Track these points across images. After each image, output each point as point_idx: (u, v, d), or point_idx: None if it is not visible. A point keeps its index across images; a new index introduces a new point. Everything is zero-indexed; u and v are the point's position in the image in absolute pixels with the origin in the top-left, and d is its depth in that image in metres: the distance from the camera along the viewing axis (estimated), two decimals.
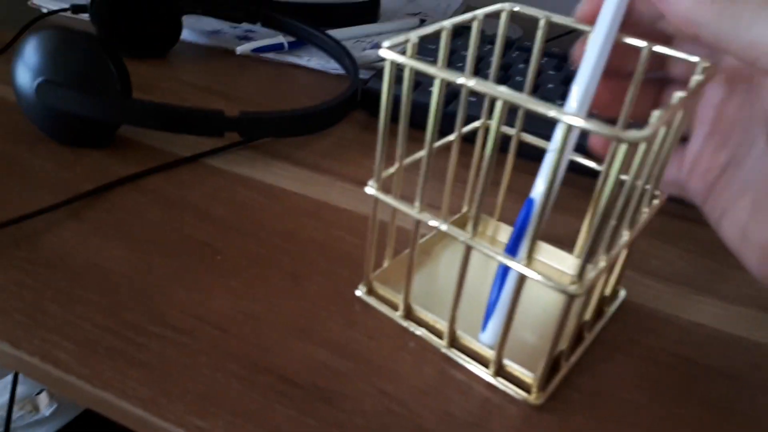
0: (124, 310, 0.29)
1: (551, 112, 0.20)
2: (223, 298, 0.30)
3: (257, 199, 0.38)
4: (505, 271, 0.26)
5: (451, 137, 0.31)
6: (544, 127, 0.41)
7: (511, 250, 0.25)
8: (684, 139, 0.28)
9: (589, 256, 0.22)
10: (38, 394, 0.68)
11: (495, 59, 0.30)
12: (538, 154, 0.32)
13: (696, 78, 0.24)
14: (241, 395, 0.25)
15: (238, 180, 0.39)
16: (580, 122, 0.19)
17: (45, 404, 0.69)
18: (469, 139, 0.32)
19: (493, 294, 0.26)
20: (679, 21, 0.22)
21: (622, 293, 0.32)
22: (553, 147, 0.23)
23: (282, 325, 0.29)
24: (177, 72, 0.53)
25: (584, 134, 0.22)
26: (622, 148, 0.19)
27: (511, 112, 0.30)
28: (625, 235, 0.26)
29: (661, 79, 0.29)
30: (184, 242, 0.33)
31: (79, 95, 0.37)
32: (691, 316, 0.31)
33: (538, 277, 0.22)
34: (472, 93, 0.45)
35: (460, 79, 0.21)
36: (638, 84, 0.27)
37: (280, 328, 0.29)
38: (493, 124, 0.22)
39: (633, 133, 0.19)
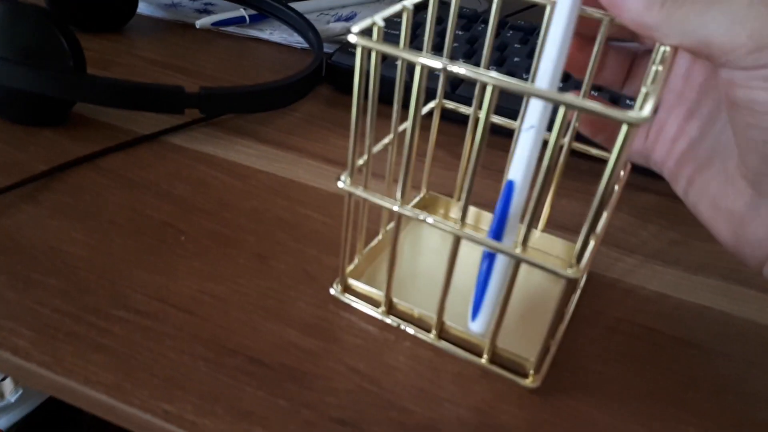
0: (84, 294, 0.28)
1: (551, 95, 0.19)
2: (187, 280, 0.29)
3: (220, 177, 0.37)
4: (491, 258, 0.25)
5: (409, 123, 0.30)
6: (507, 102, 0.41)
7: (496, 234, 0.24)
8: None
9: (586, 240, 0.22)
10: (2, 380, 0.66)
11: (449, 33, 0.29)
12: (496, 130, 0.32)
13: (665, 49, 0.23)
14: (209, 378, 0.25)
15: (200, 158, 0.38)
16: (584, 104, 0.19)
17: (10, 390, 0.67)
18: (433, 115, 0.32)
19: (481, 281, 0.25)
20: (632, 24, 0.23)
21: None
22: (528, 125, 0.23)
23: (249, 305, 0.28)
24: (134, 47, 0.51)
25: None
26: (625, 130, 0.19)
27: (471, 87, 0.29)
28: (605, 212, 0.26)
29: (633, 49, 0.29)
30: (145, 223, 0.32)
31: (30, 71, 0.35)
32: (656, 286, 0.32)
33: (539, 263, 0.22)
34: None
35: (437, 63, 0.20)
36: (600, 52, 0.27)
37: (247, 309, 0.28)
38: (483, 111, 0.21)
39: (637, 115, 0.18)
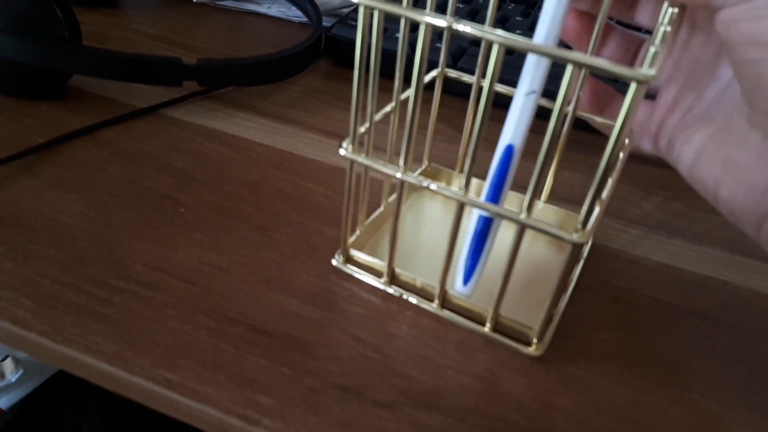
0: (83, 265, 0.28)
1: (559, 52, 0.18)
2: (187, 251, 0.29)
3: (220, 150, 0.36)
4: (487, 221, 0.25)
5: (412, 86, 0.30)
6: (508, 74, 0.41)
7: (493, 198, 0.24)
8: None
9: (592, 205, 0.21)
10: (3, 360, 0.66)
11: (450, 4, 0.28)
12: (496, 102, 0.31)
13: (668, 12, 0.23)
14: (211, 347, 0.25)
15: (199, 131, 0.38)
16: (592, 61, 0.18)
17: (10, 370, 0.67)
18: (432, 87, 0.31)
19: (474, 244, 0.25)
20: None
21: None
22: (530, 90, 0.22)
23: (251, 276, 0.28)
24: (130, 21, 0.50)
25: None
26: (634, 88, 0.18)
27: (473, 58, 0.29)
28: (610, 178, 0.26)
29: (640, 37, 0.29)
30: (144, 195, 0.32)
31: (24, 41, 0.34)
32: (659, 257, 0.32)
33: (545, 228, 0.22)
34: (436, 39, 0.44)
35: (441, 22, 0.20)
36: (602, 25, 0.26)
37: (248, 280, 0.28)
38: (489, 70, 0.20)
39: (646, 72, 0.18)
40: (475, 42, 0.44)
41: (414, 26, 0.45)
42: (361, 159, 0.25)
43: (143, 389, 0.23)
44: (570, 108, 0.29)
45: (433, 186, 0.24)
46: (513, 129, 0.23)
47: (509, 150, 0.24)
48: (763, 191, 0.23)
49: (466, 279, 0.25)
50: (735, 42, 0.22)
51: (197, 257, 0.29)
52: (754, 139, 0.23)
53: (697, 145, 0.26)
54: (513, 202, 0.33)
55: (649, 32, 0.29)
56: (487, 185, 0.24)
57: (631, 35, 0.30)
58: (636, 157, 0.39)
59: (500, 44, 0.19)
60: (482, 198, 0.24)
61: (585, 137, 0.39)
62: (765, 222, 0.23)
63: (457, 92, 0.43)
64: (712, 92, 0.26)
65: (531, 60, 0.22)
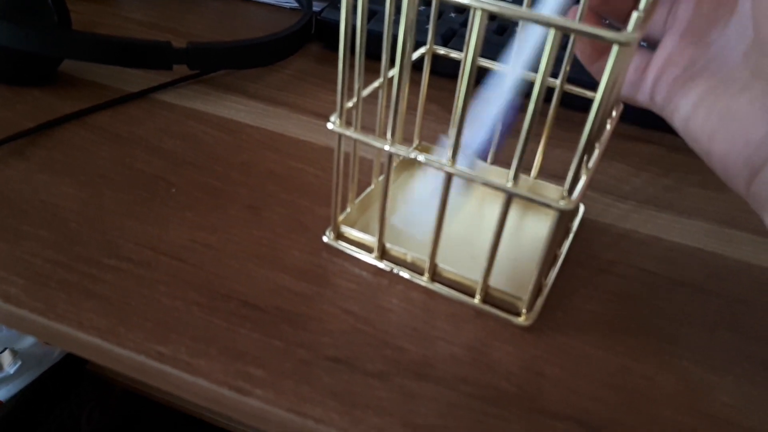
0: (75, 245, 0.28)
1: (540, 17, 0.19)
2: (179, 230, 0.29)
3: (211, 132, 0.36)
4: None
5: (396, 67, 0.30)
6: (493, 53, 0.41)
7: (483, 150, 0.24)
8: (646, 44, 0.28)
9: (578, 172, 0.22)
10: (1, 352, 0.66)
11: None
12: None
13: None
14: (203, 321, 0.25)
15: (190, 114, 0.38)
16: (573, 25, 0.18)
17: (8, 362, 0.67)
18: (420, 66, 0.31)
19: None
20: None
21: (581, 209, 0.32)
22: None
23: (242, 254, 0.28)
24: (120, 9, 0.50)
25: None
26: (616, 50, 0.18)
27: (462, 39, 0.29)
28: (597, 148, 0.26)
29: None
30: (135, 176, 0.32)
31: (15, 27, 0.34)
32: (649, 230, 0.32)
33: (531, 196, 0.22)
34: (425, 21, 0.44)
35: None
36: None
37: (240, 257, 0.28)
38: (472, 39, 0.20)
39: (627, 35, 0.18)
40: (465, 24, 0.45)
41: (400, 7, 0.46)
42: (349, 133, 0.25)
43: (136, 363, 0.23)
44: (558, 81, 0.29)
45: (421, 157, 0.24)
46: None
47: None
48: (758, 144, 0.22)
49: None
50: None
51: (189, 236, 0.29)
52: (756, 89, 0.23)
53: (695, 97, 0.25)
54: (500, 176, 0.33)
55: None
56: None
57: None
58: (626, 136, 0.39)
59: (482, 11, 0.19)
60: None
61: (576, 116, 0.39)
62: (756, 177, 0.23)
63: (447, 73, 0.43)
64: (716, 45, 0.26)
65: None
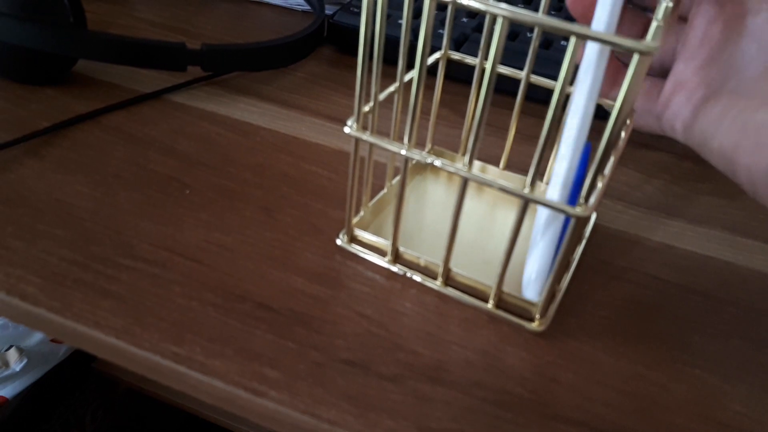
0: (90, 244, 0.28)
1: (560, 24, 0.19)
2: (193, 231, 0.29)
3: (224, 134, 0.36)
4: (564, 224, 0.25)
5: (414, 72, 0.30)
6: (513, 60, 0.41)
7: (573, 199, 0.25)
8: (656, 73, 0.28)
9: (595, 179, 0.22)
10: (7, 349, 0.67)
11: None
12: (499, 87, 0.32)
13: None
14: (218, 322, 0.25)
15: (203, 115, 0.38)
16: (595, 33, 0.18)
17: (15, 359, 0.67)
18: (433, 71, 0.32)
19: (547, 247, 0.26)
20: None
21: (593, 216, 0.32)
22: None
23: (256, 255, 0.28)
24: (133, 9, 0.51)
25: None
26: (636, 59, 0.19)
27: (475, 44, 0.29)
28: (612, 155, 0.26)
29: (642, 15, 0.29)
30: (150, 177, 0.32)
31: (30, 26, 0.35)
32: (661, 237, 0.32)
33: (547, 202, 0.22)
34: (438, 25, 0.44)
35: None
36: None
37: (254, 259, 0.28)
38: (492, 47, 0.20)
39: (648, 44, 0.18)
40: (478, 29, 0.45)
41: (417, 12, 0.46)
42: (366, 136, 0.25)
43: (151, 363, 0.24)
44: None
45: (437, 162, 0.24)
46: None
47: (587, 149, 0.24)
48: None
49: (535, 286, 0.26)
50: None
51: (203, 237, 0.29)
52: None
53: (715, 116, 0.25)
54: (515, 181, 0.34)
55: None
56: (564, 183, 0.25)
57: (640, 15, 0.30)
58: (638, 143, 0.39)
59: (504, 18, 0.20)
60: (561, 198, 0.25)
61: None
62: None
63: (459, 78, 0.43)
64: (730, 64, 0.26)
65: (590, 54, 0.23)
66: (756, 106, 0.24)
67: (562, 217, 0.25)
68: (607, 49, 0.22)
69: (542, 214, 0.26)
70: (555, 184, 0.25)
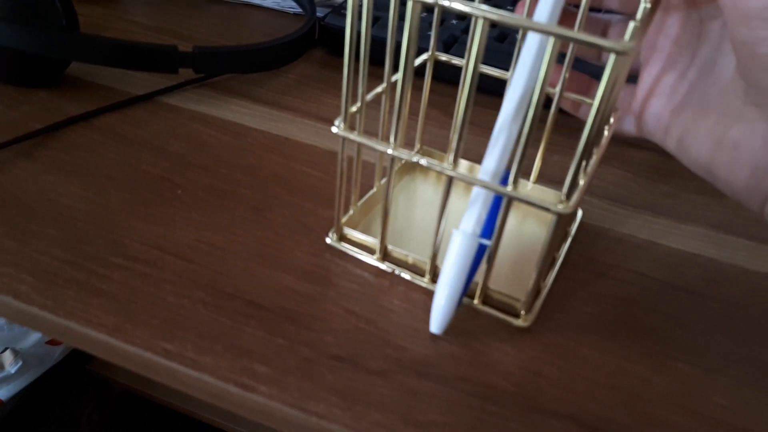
0: (82, 243, 0.28)
1: (540, 26, 0.19)
2: (184, 230, 0.30)
3: (215, 135, 0.37)
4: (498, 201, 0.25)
5: (399, 73, 0.30)
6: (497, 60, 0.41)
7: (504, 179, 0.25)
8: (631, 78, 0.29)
9: (576, 176, 0.22)
10: (2, 352, 0.67)
11: None
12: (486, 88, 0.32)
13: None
14: (208, 319, 0.25)
15: (195, 117, 0.38)
16: (574, 34, 0.19)
17: (9, 362, 0.67)
18: (421, 72, 0.32)
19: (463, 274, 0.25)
20: None
21: (579, 214, 0.33)
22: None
23: (247, 254, 0.29)
24: (126, 13, 0.51)
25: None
26: (613, 59, 0.19)
27: (463, 46, 0.29)
28: (595, 153, 0.26)
29: (606, 20, 0.30)
30: (141, 178, 0.33)
31: (23, 29, 0.35)
32: (646, 235, 0.32)
33: (530, 199, 0.22)
34: (427, 27, 0.45)
35: None
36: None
37: (244, 258, 0.29)
38: (474, 48, 0.21)
39: (624, 43, 0.18)
40: (467, 31, 0.45)
41: (404, 14, 0.46)
42: (353, 136, 0.26)
43: (142, 359, 0.24)
44: (557, 89, 0.30)
45: (423, 161, 0.24)
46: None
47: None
48: (765, 170, 0.23)
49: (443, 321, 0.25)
50: (738, 14, 0.21)
51: (194, 236, 0.29)
52: (751, 118, 0.23)
53: (686, 126, 0.26)
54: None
55: (615, 14, 0.30)
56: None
57: (597, 19, 0.30)
58: (623, 142, 0.40)
59: (485, 19, 0.20)
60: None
61: (576, 122, 0.40)
62: None
63: (448, 79, 0.43)
64: (695, 72, 0.26)
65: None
66: (728, 122, 0.24)
67: (475, 244, 0.25)
68: (549, 38, 0.22)
69: (455, 240, 0.25)
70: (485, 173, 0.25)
